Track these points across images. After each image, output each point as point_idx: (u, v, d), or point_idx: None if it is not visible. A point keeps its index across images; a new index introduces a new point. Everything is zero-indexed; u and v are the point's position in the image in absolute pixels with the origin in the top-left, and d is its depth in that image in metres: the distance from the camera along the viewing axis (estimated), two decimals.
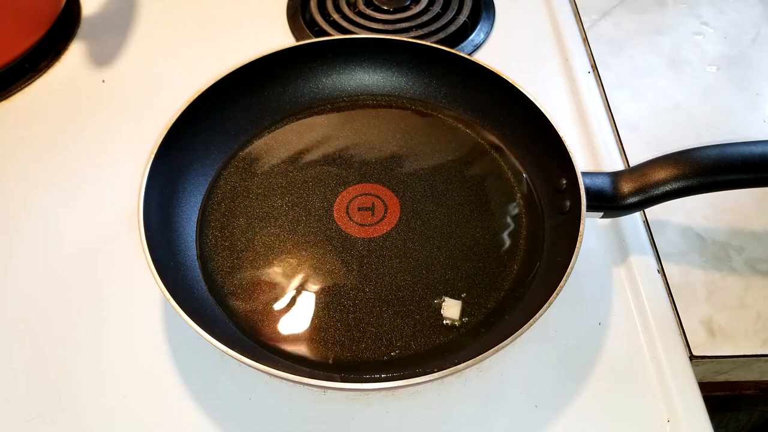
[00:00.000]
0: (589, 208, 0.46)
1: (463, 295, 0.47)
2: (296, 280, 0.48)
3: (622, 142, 0.59)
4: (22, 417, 0.44)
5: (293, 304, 0.47)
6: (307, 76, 0.58)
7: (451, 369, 0.38)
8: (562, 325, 0.47)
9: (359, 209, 0.52)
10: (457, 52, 0.55)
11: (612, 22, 0.71)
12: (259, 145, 0.56)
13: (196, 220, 0.51)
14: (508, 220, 0.51)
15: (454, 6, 0.69)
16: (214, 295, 0.47)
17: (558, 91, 0.63)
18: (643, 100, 0.63)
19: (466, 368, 0.38)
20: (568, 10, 0.71)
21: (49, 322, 0.48)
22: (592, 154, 0.58)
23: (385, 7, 0.69)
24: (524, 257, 0.49)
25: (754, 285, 0.50)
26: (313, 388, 0.44)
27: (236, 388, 0.45)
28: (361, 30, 0.67)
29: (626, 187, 0.46)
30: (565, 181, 0.48)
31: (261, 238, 0.50)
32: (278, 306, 0.47)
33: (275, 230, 0.51)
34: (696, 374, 0.45)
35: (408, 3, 0.70)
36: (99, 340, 0.47)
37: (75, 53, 0.66)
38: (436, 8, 0.69)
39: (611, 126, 0.61)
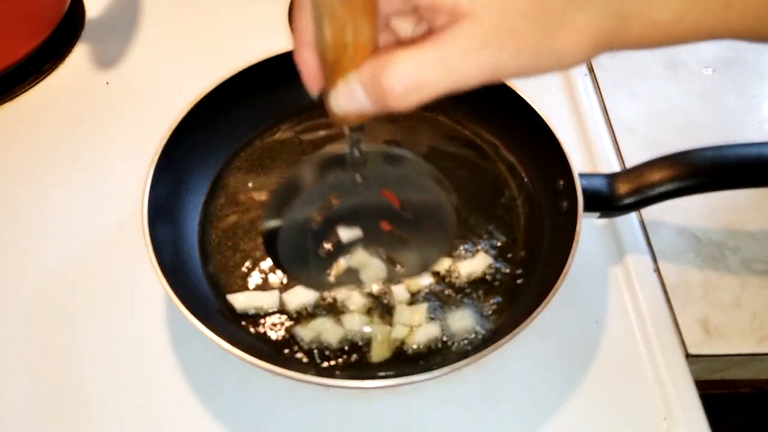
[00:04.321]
0: (586, 209, 0.46)
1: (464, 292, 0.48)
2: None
3: (619, 143, 0.60)
4: (22, 417, 0.44)
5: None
6: None
7: (450, 367, 0.39)
8: (559, 324, 0.48)
9: None
10: None
11: None
12: (260, 146, 0.56)
13: (198, 219, 0.52)
14: (506, 220, 0.51)
15: None
16: (216, 294, 0.48)
17: (555, 93, 0.63)
18: (640, 102, 0.63)
19: (466, 366, 0.39)
20: None
21: (52, 322, 0.48)
22: (589, 155, 0.58)
23: None
24: (522, 257, 0.49)
25: (750, 284, 0.51)
26: (315, 386, 0.45)
27: (239, 385, 0.45)
28: None
29: (623, 188, 0.47)
30: (562, 183, 0.48)
31: (262, 237, 0.51)
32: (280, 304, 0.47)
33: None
34: (692, 372, 0.46)
35: None
36: (102, 340, 0.48)
37: (79, 55, 0.66)
38: None
39: (608, 128, 0.61)
